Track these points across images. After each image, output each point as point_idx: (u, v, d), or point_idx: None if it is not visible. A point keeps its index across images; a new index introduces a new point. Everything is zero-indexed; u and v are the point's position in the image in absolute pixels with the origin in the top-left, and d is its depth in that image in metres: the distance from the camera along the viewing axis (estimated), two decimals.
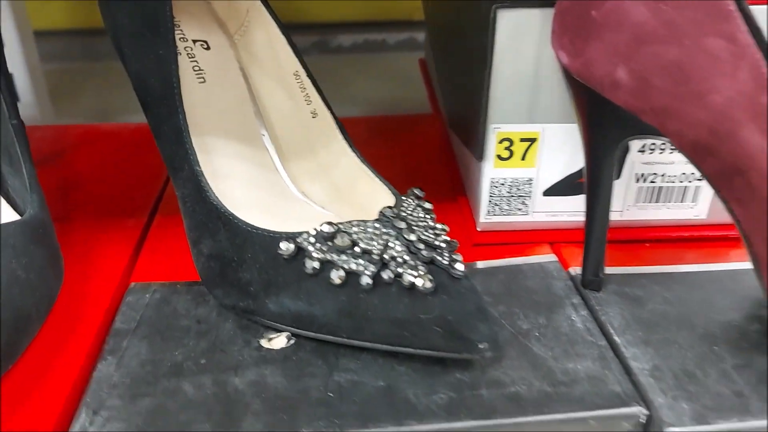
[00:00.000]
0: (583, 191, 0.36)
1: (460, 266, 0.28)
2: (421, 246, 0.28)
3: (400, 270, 0.27)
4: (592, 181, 0.31)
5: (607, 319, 0.31)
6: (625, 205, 0.37)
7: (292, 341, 0.30)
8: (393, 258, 0.28)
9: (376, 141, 0.50)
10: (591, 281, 0.33)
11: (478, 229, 0.38)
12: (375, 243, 0.28)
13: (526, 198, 0.37)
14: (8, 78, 0.36)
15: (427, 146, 0.48)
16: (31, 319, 0.28)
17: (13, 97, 0.35)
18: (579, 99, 0.28)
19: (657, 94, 0.25)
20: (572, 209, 0.37)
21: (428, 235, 0.29)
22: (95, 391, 0.27)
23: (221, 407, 0.27)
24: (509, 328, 0.31)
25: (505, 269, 0.35)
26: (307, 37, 1.17)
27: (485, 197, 0.36)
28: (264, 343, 0.30)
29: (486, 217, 0.37)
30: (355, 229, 0.28)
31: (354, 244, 0.28)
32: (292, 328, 0.30)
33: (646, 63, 0.25)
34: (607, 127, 0.28)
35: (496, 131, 0.35)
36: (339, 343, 0.29)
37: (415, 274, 0.27)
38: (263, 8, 0.37)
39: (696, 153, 0.26)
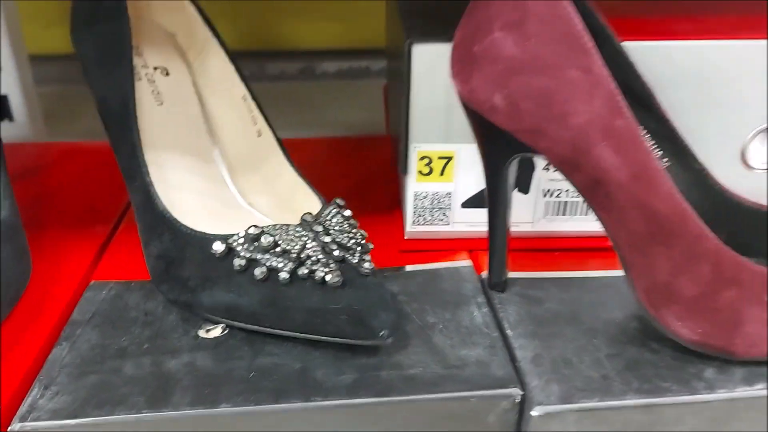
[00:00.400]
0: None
1: (367, 264, 0.32)
2: (334, 247, 0.32)
3: (314, 267, 0.32)
4: (491, 194, 0.35)
5: (504, 316, 0.35)
6: (535, 218, 0.41)
7: (225, 331, 0.34)
8: (309, 257, 0.32)
9: (334, 159, 0.55)
10: (496, 283, 0.37)
11: (406, 237, 0.42)
12: (294, 244, 0.32)
13: (446, 209, 0.41)
14: None
15: (377, 165, 0.53)
16: None
17: None
18: (472, 122, 0.33)
19: (527, 117, 0.30)
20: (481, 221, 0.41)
21: (342, 238, 0.33)
22: (48, 370, 0.32)
23: (156, 383, 0.31)
24: (417, 321, 0.35)
25: (425, 273, 0.39)
26: (294, 63, 1.22)
27: (410, 208, 0.41)
28: (201, 333, 0.34)
29: (412, 227, 0.41)
30: (278, 231, 0.33)
31: (276, 244, 0.32)
32: (224, 319, 0.34)
33: (516, 90, 0.30)
34: (496, 146, 0.33)
35: (416, 149, 0.39)
36: (264, 332, 0.33)
37: (326, 270, 0.31)
38: (216, 40, 0.42)
39: (565, 167, 0.31)
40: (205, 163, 0.41)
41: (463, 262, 0.40)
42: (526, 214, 0.41)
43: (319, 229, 0.33)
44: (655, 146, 0.35)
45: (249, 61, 1.21)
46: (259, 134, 0.41)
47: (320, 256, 0.32)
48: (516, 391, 0.30)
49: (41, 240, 0.42)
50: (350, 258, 0.32)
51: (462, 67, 0.31)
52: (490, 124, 0.31)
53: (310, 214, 0.34)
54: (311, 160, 0.54)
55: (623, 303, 0.36)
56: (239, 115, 0.41)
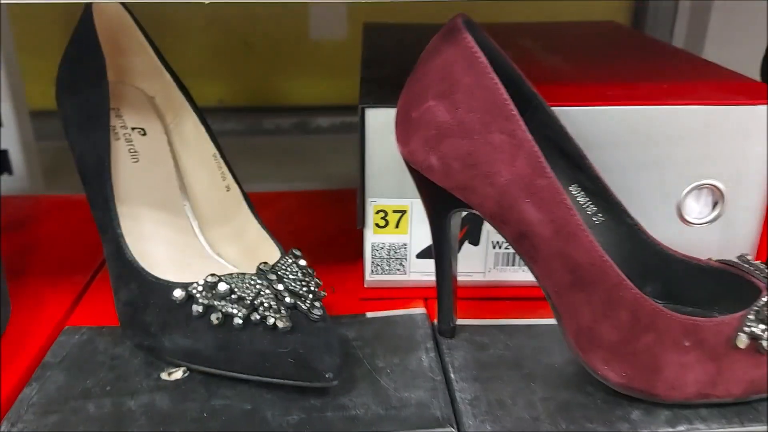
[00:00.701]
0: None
1: (317, 311, 0.35)
2: (286, 294, 0.35)
3: (266, 313, 0.34)
4: (436, 245, 0.38)
5: (450, 360, 0.38)
6: (487, 268, 0.43)
7: (186, 374, 0.36)
8: (261, 303, 0.34)
9: (305, 211, 0.58)
10: (444, 330, 0.39)
11: (365, 285, 0.44)
12: (248, 291, 0.35)
13: (403, 260, 0.43)
14: None
15: (344, 217, 0.55)
16: None
17: None
18: (414, 179, 0.36)
19: (457, 176, 0.33)
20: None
21: (295, 286, 0.36)
22: (16, 408, 0.34)
23: (112, 422, 0.33)
24: (367, 365, 0.37)
25: (380, 320, 0.42)
26: (288, 118, 1.27)
27: (369, 259, 0.43)
28: (164, 375, 0.37)
29: (371, 276, 0.44)
30: (234, 280, 0.35)
31: (232, 291, 0.35)
32: (184, 362, 0.36)
33: (448, 152, 0.32)
34: (436, 201, 0.36)
35: (372, 204, 0.42)
36: (220, 375, 0.35)
37: (276, 316, 0.34)
38: (190, 104, 0.45)
39: (495, 221, 0.33)
40: (176, 217, 0.44)
41: (418, 310, 0.42)
42: (479, 264, 0.43)
43: (273, 277, 0.36)
44: (589, 202, 0.38)
45: (246, 117, 1.26)
46: (228, 189, 0.44)
47: (272, 303, 0.34)
48: (451, 431, 0.32)
49: (24, 286, 0.45)
50: (301, 305, 0.35)
51: (403, 131, 0.34)
52: (429, 182, 0.34)
53: (266, 263, 0.37)
54: (284, 212, 0.57)
55: (564, 349, 0.38)
56: (210, 171, 0.45)
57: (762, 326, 0.32)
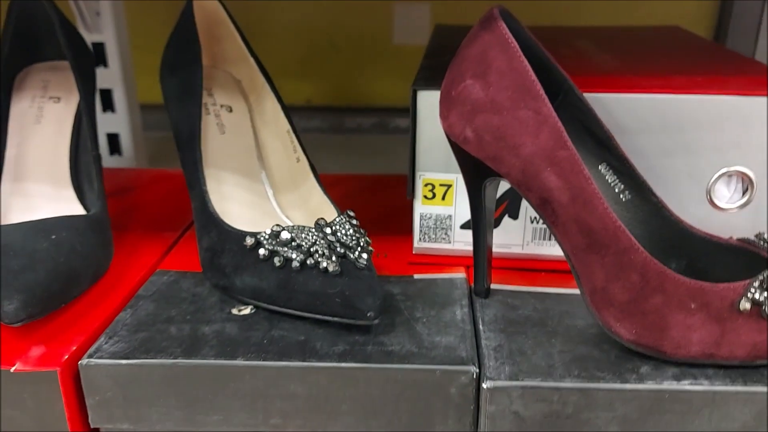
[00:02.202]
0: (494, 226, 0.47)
1: (362, 260, 0.40)
2: (338, 245, 0.41)
3: (319, 259, 0.40)
4: (473, 211, 0.42)
5: (481, 315, 0.42)
6: (525, 241, 0.47)
7: (253, 311, 0.43)
8: (316, 251, 0.40)
9: (368, 191, 0.63)
10: (479, 290, 0.44)
11: (414, 252, 0.49)
12: (306, 240, 0.41)
13: (448, 230, 0.48)
14: (94, 120, 0.52)
15: (402, 196, 0.60)
16: (80, 279, 0.43)
17: (94, 133, 0.51)
18: (454, 150, 0.40)
19: (489, 147, 0.37)
20: None
21: (346, 239, 0.41)
22: (113, 327, 0.41)
23: (189, 341, 0.39)
24: (406, 315, 0.42)
25: (425, 281, 0.46)
26: (369, 118, 1.34)
27: (417, 227, 0.48)
28: (234, 311, 0.43)
29: (419, 243, 0.49)
30: (295, 230, 0.41)
31: (292, 240, 0.41)
32: (251, 300, 0.42)
33: (480, 126, 0.37)
34: (472, 171, 0.40)
35: (421, 177, 0.47)
36: (281, 312, 0.41)
37: (327, 261, 0.39)
38: (270, 87, 0.52)
39: (521, 188, 0.38)
40: (253, 182, 0.50)
41: (459, 275, 0.47)
42: (517, 237, 0.47)
43: (328, 230, 0.41)
44: (617, 181, 0.42)
45: (329, 115, 1.34)
46: (298, 161, 0.50)
47: (325, 251, 0.40)
48: (473, 369, 0.37)
49: (125, 238, 0.53)
50: (350, 254, 0.40)
51: (444, 107, 0.39)
52: (466, 152, 0.39)
53: (323, 219, 0.42)
54: (348, 190, 0.63)
55: (587, 314, 0.42)
56: (284, 145, 0.51)
57: (765, 293, 0.35)
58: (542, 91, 0.36)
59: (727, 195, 0.45)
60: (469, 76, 0.38)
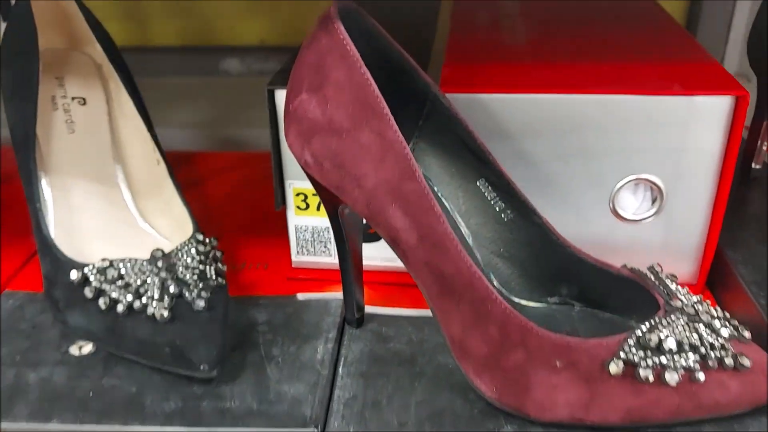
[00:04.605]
0: (375, 239, 0.42)
1: (200, 302, 0.35)
2: (172, 283, 0.35)
3: (148, 302, 0.35)
4: (335, 235, 0.36)
5: (345, 353, 0.37)
6: None
7: (94, 349, 0.38)
8: (146, 291, 0.35)
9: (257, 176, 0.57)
10: (350, 320, 0.39)
11: (293, 265, 0.44)
12: (136, 278, 0.35)
13: (327, 242, 0.43)
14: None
15: None
16: None
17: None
18: (304, 172, 0.34)
19: (329, 175, 0.31)
20: (367, 255, 0.42)
21: (185, 274, 0.36)
22: None
23: (9, 392, 0.35)
24: (262, 353, 0.37)
25: (296, 303, 0.41)
26: None
27: (293, 239, 0.43)
28: (73, 349, 0.38)
29: (297, 256, 0.44)
30: (127, 265, 0.36)
31: (121, 277, 0.36)
32: (84, 340, 0.37)
33: (318, 149, 0.31)
34: (324, 195, 0.34)
35: (291, 186, 0.41)
36: (117, 354, 0.36)
37: (156, 306, 0.34)
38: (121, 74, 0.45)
39: (370, 222, 0.32)
40: (108, 188, 0.44)
41: (335, 295, 0.42)
42: None
43: (161, 264, 0.36)
44: (497, 198, 0.36)
45: (285, 56, 1.26)
46: (158, 162, 0.44)
47: (156, 292, 0.35)
48: (313, 431, 0.32)
49: None
50: (187, 293, 0.35)
51: (285, 123, 0.33)
52: (311, 176, 0.33)
53: (160, 250, 0.37)
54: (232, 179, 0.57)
55: None
56: (144, 143, 0.45)
57: (641, 353, 0.30)
58: (387, 111, 0.30)
59: (634, 205, 0.39)
60: (305, 89, 0.31)
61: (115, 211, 0.44)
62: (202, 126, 0.78)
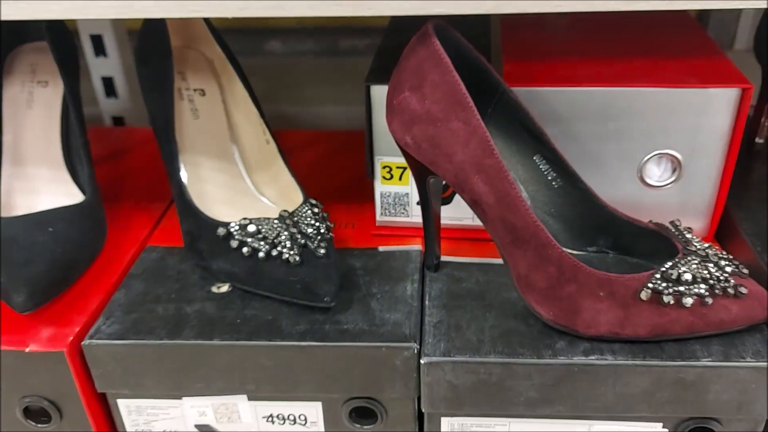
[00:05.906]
0: (447, 203, 0.52)
1: (321, 250, 0.45)
2: (299, 236, 0.46)
3: (282, 250, 0.45)
4: (421, 200, 0.47)
5: (428, 290, 0.47)
6: (474, 215, 0.52)
7: (230, 289, 0.49)
8: (280, 242, 0.45)
9: (338, 152, 0.67)
10: (429, 265, 0.49)
11: (376, 224, 0.54)
12: (271, 232, 0.46)
13: (406, 206, 0.53)
14: (80, 108, 0.55)
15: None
16: (78, 266, 0.49)
17: (82, 121, 0.55)
18: (401, 151, 0.44)
19: (426, 153, 0.41)
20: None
21: (306, 229, 0.46)
22: (109, 308, 0.47)
23: (174, 321, 0.46)
24: (364, 291, 0.48)
25: (384, 253, 0.52)
26: (363, 40, 1.33)
27: (378, 204, 0.53)
28: (213, 289, 0.49)
29: (380, 217, 0.54)
30: (262, 222, 0.46)
31: (259, 232, 0.46)
32: (227, 281, 0.48)
33: (417, 134, 0.41)
34: (417, 169, 0.44)
35: (379, 161, 0.51)
36: (253, 291, 0.47)
37: (289, 253, 0.45)
38: (236, 71, 0.55)
39: (456, 189, 0.42)
40: (228, 164, 0.55)
41: (415, 247, 0.52)
42: (468, 211, 0.52)
43: (290, 222, 0.46)
44: (550, 169, 0.46)
45: (323, 37, 1.34)
46: (268, 142, 0.54)
47: (287, 242, 0.45)
48: (414, 346, 0.43)
49: (117, 211, 0.58)
50: (310, 244, 0.46)
51: (388, 114, 0.43)
52: (409, 154, 0.43)
53: (286, 211, 0.47)
54: (315, 156, 0.67)
55: None
56: (254, 126, 0.55)
57: (665, 284, 0.40)
58: (472, 104, 0.40)
59: (657, 174, 0.49)
60: (407, 88, 0.41)
61: (233, 183, 0.55)
62: None
